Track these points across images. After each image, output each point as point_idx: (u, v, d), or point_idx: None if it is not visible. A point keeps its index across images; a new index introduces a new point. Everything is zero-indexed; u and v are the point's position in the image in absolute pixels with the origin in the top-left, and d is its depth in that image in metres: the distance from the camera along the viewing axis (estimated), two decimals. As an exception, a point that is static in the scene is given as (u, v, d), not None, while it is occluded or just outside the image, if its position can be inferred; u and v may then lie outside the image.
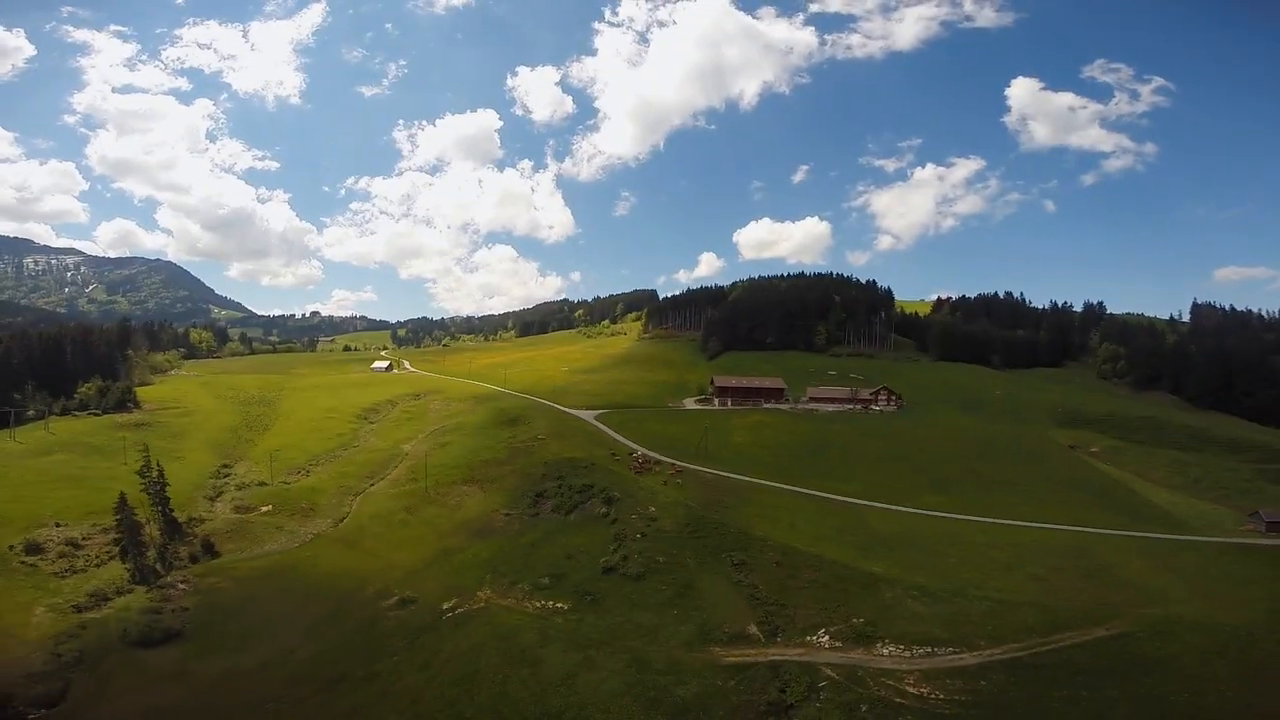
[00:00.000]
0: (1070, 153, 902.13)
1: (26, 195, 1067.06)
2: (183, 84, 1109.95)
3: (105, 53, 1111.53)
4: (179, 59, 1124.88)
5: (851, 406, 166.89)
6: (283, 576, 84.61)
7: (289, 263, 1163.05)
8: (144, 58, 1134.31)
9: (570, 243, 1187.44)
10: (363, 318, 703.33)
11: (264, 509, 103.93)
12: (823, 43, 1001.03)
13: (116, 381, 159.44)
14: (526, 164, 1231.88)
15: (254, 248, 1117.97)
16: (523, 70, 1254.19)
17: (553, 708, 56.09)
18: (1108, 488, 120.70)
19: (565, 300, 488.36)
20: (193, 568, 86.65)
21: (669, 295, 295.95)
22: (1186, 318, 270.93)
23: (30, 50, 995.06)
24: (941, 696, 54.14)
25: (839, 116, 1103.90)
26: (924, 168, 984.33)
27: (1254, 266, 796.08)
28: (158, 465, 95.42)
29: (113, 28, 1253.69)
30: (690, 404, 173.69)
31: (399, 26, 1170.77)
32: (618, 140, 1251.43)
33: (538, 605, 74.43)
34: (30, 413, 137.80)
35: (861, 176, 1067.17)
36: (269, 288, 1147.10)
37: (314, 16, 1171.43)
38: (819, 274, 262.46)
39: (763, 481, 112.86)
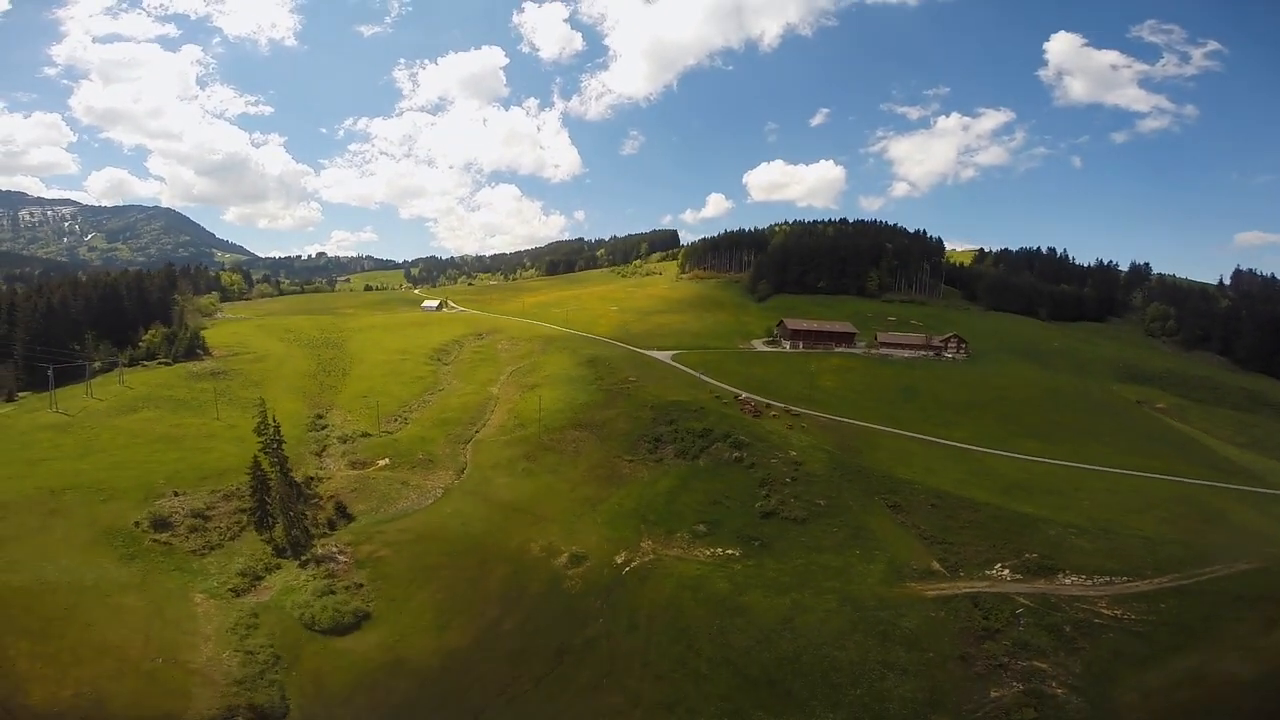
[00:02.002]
0: (1104, 110, 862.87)
1: (12, 149, 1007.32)
2: (170, 30, 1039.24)
3: (83, 3, 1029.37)
4: (162, 5, 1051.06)
5: (925, 353, 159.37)
6: (440, 539, 76.69)
7: (287, 205, 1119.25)
8: (125, 6, 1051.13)
9: (576, 182, 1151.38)
10: (369, 258, 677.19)
11: (380, 463, 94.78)
12: None
13: (170, 327, 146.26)
14: (533, 102, 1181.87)
15: (250, 192, 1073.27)
16: (529, 6, 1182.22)
17: (784, 651, 54.89)
18: (1183, 443, 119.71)
19: (581, 239, 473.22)
20: (335, 535, 77.88)
21: (708, 236, 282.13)
22: (1228, 282, 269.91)
23: (4, 4, 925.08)
24: (1134, 617, 56.99)
25: (864, 61, 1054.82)
26: (949, 117, 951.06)
27: (1278, 233, 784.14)
28: (274, 421, 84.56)
29: None
30: (759, 346, 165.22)
31: None
32: (629, 79, 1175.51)
33: (708, 554, 71.98)
34: (97, 364, 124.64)
35: (882, 122, 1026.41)
36: (267, 230, 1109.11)
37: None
38: (861, 220, 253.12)
39: (876, 426, 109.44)
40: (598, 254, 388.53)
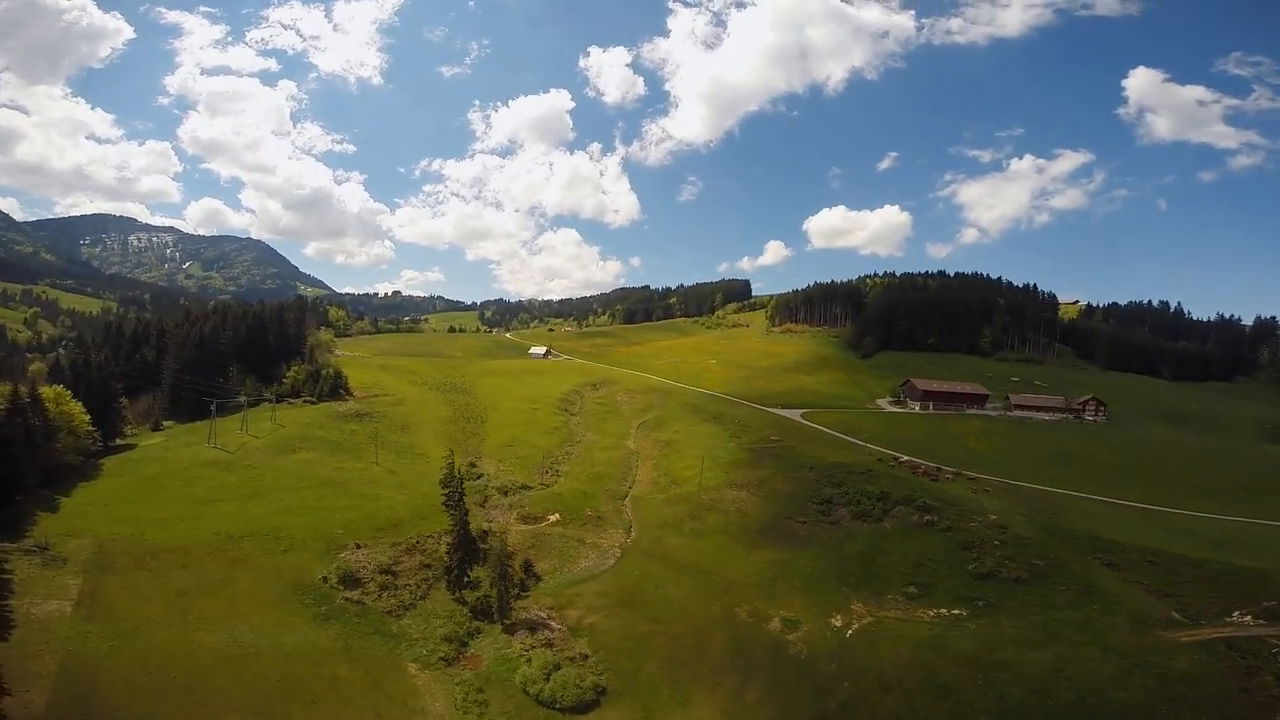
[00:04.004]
0: (1189, 148, 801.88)
1: (127, 175, 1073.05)
2: (271, 65, 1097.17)
3: (196, 34, 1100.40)
4: (264, 40, 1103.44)
5: (1065, 416, 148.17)
6: (642, 605, 71.08)
7: (363, 243, 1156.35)
8: (231, 40, 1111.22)
9: (634, 228, 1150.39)
10: (441, 298, 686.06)
11: (552, 518, 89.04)
12: (920, 27, 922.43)
13: (303, 362, 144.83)
14: (596, 147, 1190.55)
15: (331, 228, 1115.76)
16: (594, 50, 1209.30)
17: (1066, 699, 54.70)
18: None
19: (648, 287, 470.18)
20: (531, 596, 71.62)
21: (797, 289, 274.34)
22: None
23: (129, 33, 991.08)
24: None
25: (933, 103, 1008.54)
26: (1022, 159, 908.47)
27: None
28: (458, 473, 79.40)
29: (203, 9, 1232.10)
30: (886, 406, 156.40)
31: (481, 5, 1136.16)
32: (688, 124, 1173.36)
33: (930, 614, 69.51)
34: (242, 399, 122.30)
35: (952, 165, 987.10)
36: (344, 266, 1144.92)
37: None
38: (962, 273, 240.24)
39: (1048, 489, 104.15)
40: (670, 302, 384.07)
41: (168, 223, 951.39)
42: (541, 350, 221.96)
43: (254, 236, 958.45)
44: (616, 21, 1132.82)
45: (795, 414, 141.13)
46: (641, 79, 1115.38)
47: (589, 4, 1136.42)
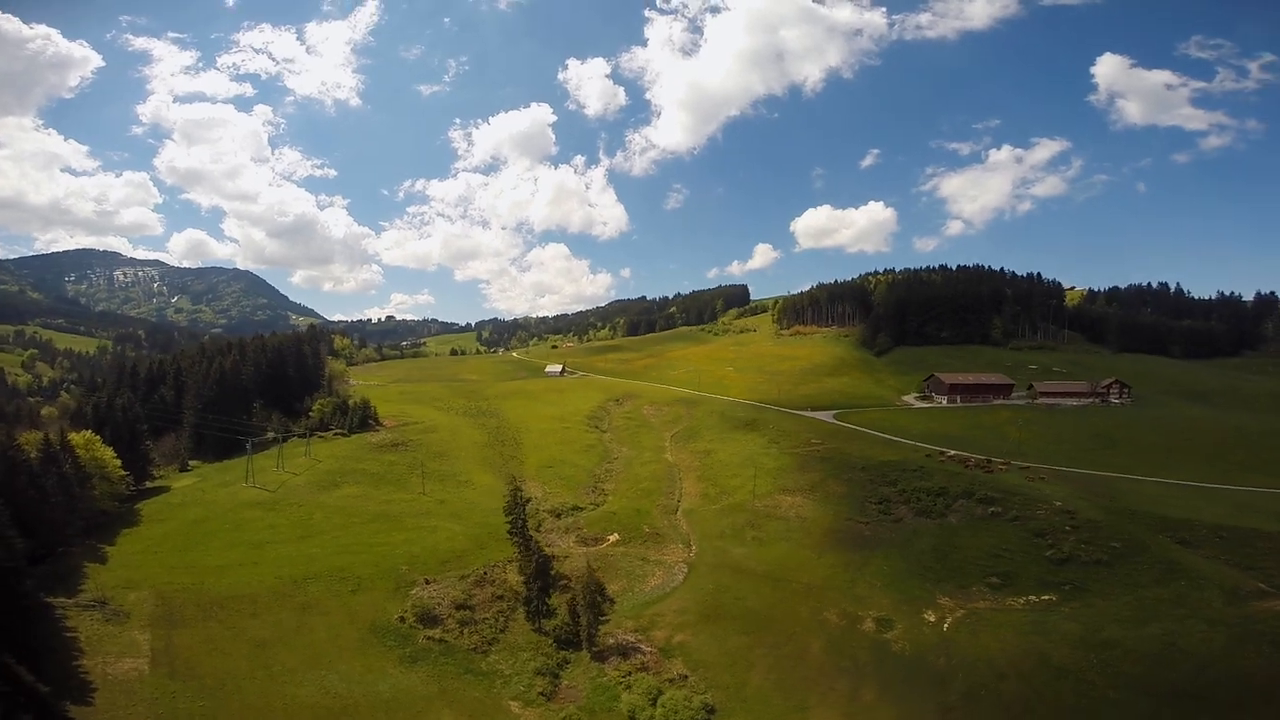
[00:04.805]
0: (1160, 132, 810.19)
1: (106, 208, 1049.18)
2: (246, 90, 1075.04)
3: (166, 61, 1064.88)
4: (235, 65, 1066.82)
5: (1092, 400, 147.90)
6: (726, 619, 68.64)
7: (351, 268, 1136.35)
8: (202, 65, 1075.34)
9: (623, 239, 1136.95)
10: (435, 320, 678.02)
11: (611, 538, 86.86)
12: (891, 24, 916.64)
13: (325, 394, 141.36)
14: (580, 160, 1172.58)
15: (317, 254, 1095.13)
16: (573, 62, 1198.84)
17: (1186, 669, 54.79)
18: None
19: (644, 297, 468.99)
20: (610, 621, 68.34)
21: (802, 290, 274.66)
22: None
23: (98, 61, 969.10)
24: None
25: (910, 99, 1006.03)
26: (1000, 149, 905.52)
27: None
28: (522, 499, 76.88)
29: (170, 35, 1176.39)
30: (914, 402, 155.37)
31: (457, 22, 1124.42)
32: (671, 132, 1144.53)
33: (1021, 602, 68.89)
34: (271, 435, 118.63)
35: (933, 159, 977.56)
36: (332, 293, 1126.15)
37: (368, 15, 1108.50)
38: (965, 266, 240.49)
39: (1100, 473, 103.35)
40: (670, 312, 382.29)
41: (152, 256, 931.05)
42: (557, 368, 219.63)
43: (240, 267, 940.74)
44: (594, 32, 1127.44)
45: (826, 416, 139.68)
46: (622, 89, 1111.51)
47: (565, 16, 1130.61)
